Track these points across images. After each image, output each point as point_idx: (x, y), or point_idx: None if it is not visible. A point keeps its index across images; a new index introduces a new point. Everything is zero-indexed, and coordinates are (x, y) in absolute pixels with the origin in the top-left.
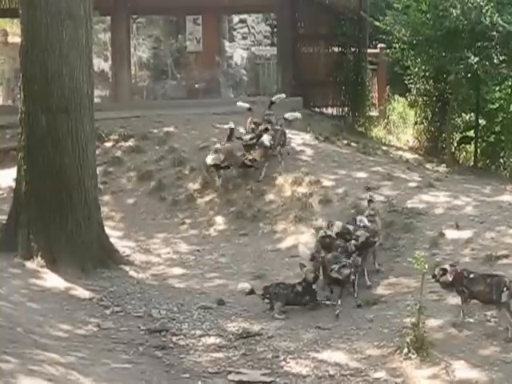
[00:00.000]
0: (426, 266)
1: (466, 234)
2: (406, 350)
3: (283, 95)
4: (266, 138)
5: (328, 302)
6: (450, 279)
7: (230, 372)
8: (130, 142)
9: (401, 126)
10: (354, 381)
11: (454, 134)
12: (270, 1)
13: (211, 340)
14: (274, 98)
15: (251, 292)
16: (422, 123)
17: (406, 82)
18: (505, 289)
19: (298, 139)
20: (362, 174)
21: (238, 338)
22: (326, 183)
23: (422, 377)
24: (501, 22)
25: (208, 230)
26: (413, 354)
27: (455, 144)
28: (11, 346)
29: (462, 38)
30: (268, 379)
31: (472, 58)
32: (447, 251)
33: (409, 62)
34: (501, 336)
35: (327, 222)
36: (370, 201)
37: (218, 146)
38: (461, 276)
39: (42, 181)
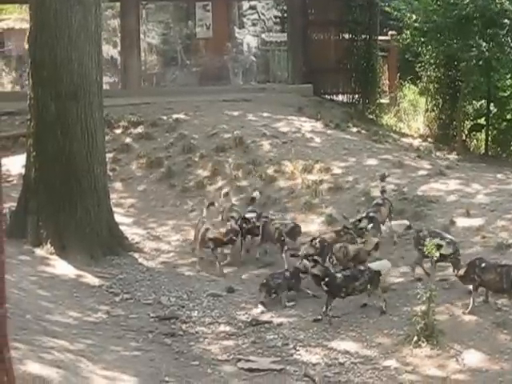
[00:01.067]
0: (437, 254)
1: (476, 221)
2: (415, 338)
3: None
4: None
5: (310, 292)
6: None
7: (239, 360)
8: (140, 129)
9: (411, 114)
10: (364, 369)
11: (465, 121)
12: None
13: (221, 328)
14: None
15: (230, 290)
16: (433, 111)
17: (416, 69)
18: None
19: (308, 126)
20: (372, 162)
21: (247, 326)
22: (336, 171)
23: (431, 365)
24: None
25: (218, 217)
26: (423, 342)
27: (466, 132)
28: (21, 333)
29: (473, 25)
30: (278, 367)
31: (483, 45)
32: (459, 238)
33: (420, 48)
34: (511, 325)
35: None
36: (383, 191)
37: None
38: (473, 265)
39: (51, 167)
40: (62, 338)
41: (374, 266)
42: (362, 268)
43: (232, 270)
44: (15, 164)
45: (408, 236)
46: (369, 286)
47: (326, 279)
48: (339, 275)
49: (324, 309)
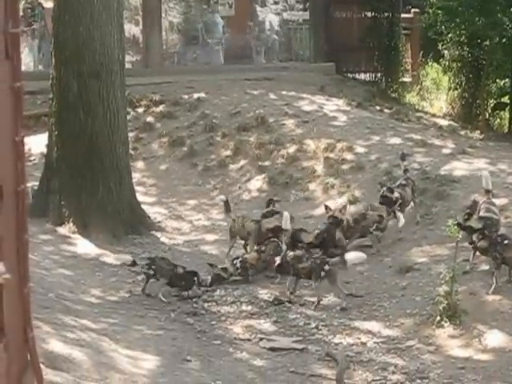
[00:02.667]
0: (460, 234)
1: (500, 201)
2: (438, 318)
3: None
4: None
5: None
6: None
7: (261, 339)
8: (162, 108)
9: (434, 92)
10: (386, 348)
11: (489, 100)
12: None
13: (243, 307)
14: None
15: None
16: (456, 89)
17: (439, 47)
18: None
19: (330, 105)
20: (395, 141)
21: (269, 305)
22: (359, 150)
23: (454, 345)
24: None
25: (240, 196)
26: (445, 322)
27: (489, 110)
28: (43, 312)
29: (496, 3)
30: (299, 346)
31: (507, 23)
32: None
33: (443, 27)
34: None
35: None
36: (406, 170)
37: None
38: (495, 242)
39: (73, 146)
40: (85, 316)
41: (349, 256)
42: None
43: None
44: (37, 143)
45: (431, 216)
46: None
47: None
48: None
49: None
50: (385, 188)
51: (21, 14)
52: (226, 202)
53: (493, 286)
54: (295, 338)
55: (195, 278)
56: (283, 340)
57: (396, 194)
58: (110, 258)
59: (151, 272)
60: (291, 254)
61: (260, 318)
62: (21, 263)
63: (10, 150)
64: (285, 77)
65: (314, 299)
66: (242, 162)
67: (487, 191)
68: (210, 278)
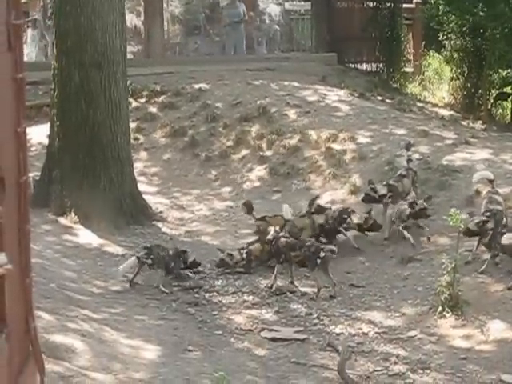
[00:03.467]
0: (462, 224)
1: (502, 191)
2: (440, 309)
3: None
4: None
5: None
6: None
7: (263, 329)
8: (163, 98)
9: (436, 82)
10: (388, 339)
11: (491, 90)
12: None
13: (244, 297)
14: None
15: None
16: (458, 79)
17: (440, 37)
18: None
19: (332, 95)
20: (397, 131)
21: (271, 296)
22: (361, 140)
23: (456, 335)
24: None
25: (241, 186)
26: (447, 312)
27: (491, 100)
28: (45, 302)
29: None
30: (301, 336)
31: (509, 13)
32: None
33: (444, 17)
34: None
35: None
36: (409, 160)
37: None
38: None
39: (74, 137)
40: (86, 306)
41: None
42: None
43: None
44: (39, 134)
45: (433, 206)
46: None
47: None
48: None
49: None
50: (370, 186)
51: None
52: (248, 204)
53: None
54: (297, 328)
55: (181, 257)
56: (285, 330)
57: (382, 191)
58: (111, 247)
59: (149, 261)
60: (283, 240)
61: (261, 308)
62: (22, 254)
63: (12, 140)
64: (286, 67)
65: (315, 289)
66: (244, 152)
67: (490, 181)
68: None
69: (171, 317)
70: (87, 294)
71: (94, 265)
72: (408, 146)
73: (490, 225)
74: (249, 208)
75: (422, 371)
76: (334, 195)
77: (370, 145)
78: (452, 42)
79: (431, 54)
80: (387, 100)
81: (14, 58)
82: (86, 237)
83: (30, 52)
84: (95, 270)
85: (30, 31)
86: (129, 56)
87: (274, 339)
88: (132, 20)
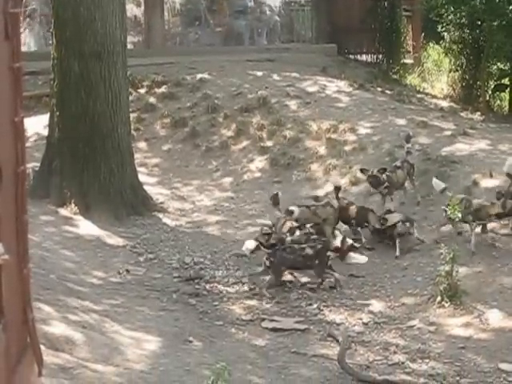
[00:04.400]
0: (460, 214)
1: (500, 183)
2: (439, 299)
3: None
4: None
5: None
6: None
7: (263, 319)
8: (164, 89)
9: (435, 74)
10: (388, 329)
11: (489, 81)
12: None
13: (245, 288)
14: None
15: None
16: (457, 71)
17: (439, 29)
18: None
19: (332, 86)
20: (396, 122)
21: (271, 286)
22: (361, 131)
23: (455, 325)
24: None
25: (242, 177)
26: (446, 302)
27: (490, 92)
28: (45, 293)
29: None
30: (302, 327)
31: (507, 5)
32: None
33: (443, 9)
34: None
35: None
36: (408, 152)
37: None
38: None
39: (74, 127)
40: (87, 298)
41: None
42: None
43: (256, 230)
44: (38, 124)
45: (432, 197)
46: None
47: None
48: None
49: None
50: (371, 171)
51: None
52: (275, 196)
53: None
54: (297, 318)
55: None
56: (285, 321)
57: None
58: (111, 239)
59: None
60: (289, 239)
61: (262, 298)
62: (20, 244)
63: (9, 130)
64: (286, 58)
65: (315, 279)
66: (244, 143)
67: (509, 175)
68: None
69: (172, 308)
70: (87, 285)
71: (94, 256)
72: (408, 138)
73: None
74: (275, 200)
75: (421, 360)
76: (331, 186)
77: (370, 136)
78: (450, 33)
79: (430, 45)
80: (387, 91)
81: (11, 47)
82: (86, 228)
83: (28, 41)
84: (95, 261)
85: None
86: (129, 46)
87: (274, 329)
88: (132, 10)
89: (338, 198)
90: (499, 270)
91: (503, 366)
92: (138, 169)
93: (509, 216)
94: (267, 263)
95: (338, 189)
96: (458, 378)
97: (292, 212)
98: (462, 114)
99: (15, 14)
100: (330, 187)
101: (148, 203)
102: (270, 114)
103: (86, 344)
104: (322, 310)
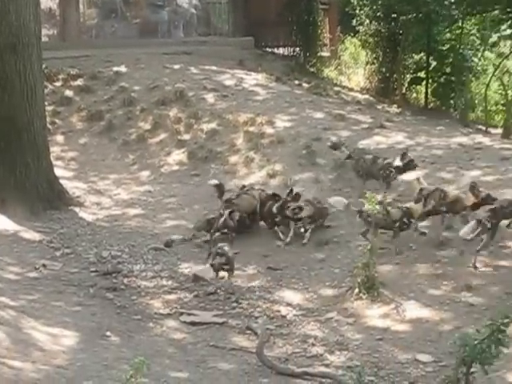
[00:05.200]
0: (377, 207)
1: (417, 174)
2: (357, 290)
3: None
4: None
5: None
6: None
7: (181, 313)
8: (79, 82)
9: (352, 67)
10: (306, 321)
11: (405, 74)
12: None
13: (163, 282)
14: None
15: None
16: (373, 64)
17: (354, 22)
18: None
19: (249, 79)
20: (314, 115)
21: (189, 280)
22: (279, 124)
23: (373, 316)
24: None
25: (159, 170)
26: (364, 294)
27: (406, 85)
28: None
29: None
30: (220, 320)
31: None
32: (398, 191)
33: (359, 2)
34: (450, 276)
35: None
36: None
37: None
38: None
39: None
40: (3, 294)
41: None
42: None
43: (174, 224)
44: None
45: (348, 188)
46: None
47: None
48: None
49: None
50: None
51: None
52: (219, 186)
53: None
54: (215, 312)
55: None
56: (203, 314)
57: None
58: (28, 233)
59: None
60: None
61: (180, 292)
62: None
63: None
64: (204, 51)
65: (235, 272)
66: (162, 136)
67: None
68: None
69: (89, 302)
70: (4, 281)
71: (10, 251)
72: (335, 146)
73: None
74: (220, 191)
75: (339, 352)
76: (253, 179)
77: (287, 128)
78: (366, 26)
79: (347, 38)
80: (304, 84)
81: None
82: (1, 223)
83: None
84: (12, 257)
85: None
86: (44, 39)
87: (192, 323)
88: (47, 2)
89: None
90: (416, 262)
91: (420, 356)
92: (55, 163)
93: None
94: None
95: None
96: (375, 370)
97: None
98: (378, 107)
99: None
100: (247, 181)
101: (64, 197)
102: (187, 107)
103: (3, 340)
104: (241, 303)
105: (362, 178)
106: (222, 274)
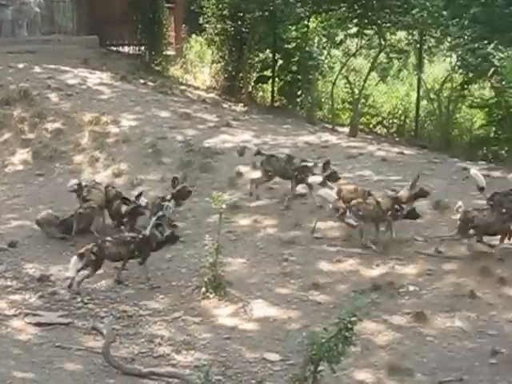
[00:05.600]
0: (224, 206)
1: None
2: (204, 290)
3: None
4: None
5: None
6: None
7: (26, 314)
8: None
9: (198, 66)
10: (153, 321)
11: (252, 73)
12: None
13: (7, 282)
14: None
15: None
16: (219, 62)
17: (200, 21)
18: None
19: (94, 78)
20: (159, 114)
21: (34, 280)
22: (124, 123)
23: (220, 316)
24: None
25: (3, 170)
26: (211, 293)
27: (252, 83)
28: None
29: None
30: (66, 320)
31: None
32: (245, 190)
33: (205, 1)
34: (297, 274)
35: None
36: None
37: None
38: None
39: None
40: None
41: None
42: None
43: (18, 224)
44: None
45: (195, 188)
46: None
47: None
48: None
49: None
50: None
51: None
52: (80, 185)
53: None
54: (61, 312)
55: None
56: (49, 315)
57: None
58: None
59: None
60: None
61: (25, 293)
62: None
63: None
64: (48, 50)
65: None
66: (6, 136)
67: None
68: None
69: None
70: None
71: None
72: (241, 152)
73: None
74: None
75: (186, 352)
76: (98, 178)
77: (132, 128)
78: (213, 25)
79: (193, 37)
80: (149, 83)
81: None
82: None
83: None
84: None
85: None
86: None
87: (38, 324)
88: None
89: None
90: (264, 261)
91: (268, 355)
92: None
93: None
94: None
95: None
96: (223, 369)
97: None
98: (225, 106)
99: None
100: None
101: None
102: (31, 106)
103: None
104: (87, 304)
105: (269, 176)
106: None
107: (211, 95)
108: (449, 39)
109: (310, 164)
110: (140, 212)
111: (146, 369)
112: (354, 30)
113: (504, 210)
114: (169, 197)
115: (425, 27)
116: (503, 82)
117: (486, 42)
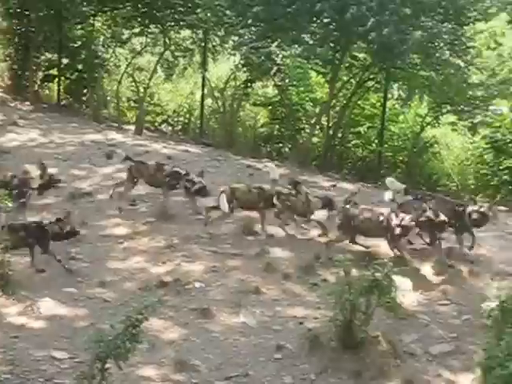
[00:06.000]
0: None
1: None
2: None
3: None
4: None
5: None
6: None
7: None
8: None
9: None
10: None
11: (38, 72)
12: None
13: None
14: None
15: None
16: (6, 61)
17: None
18: None
19: None
20: None
21: None
22: None
23: (7, 314)
24: None
25: None
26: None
27: (39, 82)
28: None
29: None
30: None
31: None
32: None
33: None
34: (85, 272)
35: None
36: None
37: None
38: None
39: None
40: None
41: None
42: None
43: None
44: None
45: None
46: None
47: None
48: None
49: None
50: None
51: None
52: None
53: None
54: None
55: None
56: None
57: None
58: None
59: None
60: None
61: None
62: None
63: None
64: None
65: None
66: None
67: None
68: None
69: None
70: None
71: None
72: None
73: None
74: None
75: None
76: None
77: None
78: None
79: None
80: None
81: None
82: None
83: None
84: None
85: None
86: None
87: None
88: None
89: None
90: (51, 259)
91: (56, 353)
92: None
93: None
94: None
95: None
96: (11, 367)
97: None
98: (11, 105)
99: None
100: None
101: None
102: None
103: None
104: None
105: (134, 182)
106: None
107: None
108: (233, 38)
109: (182, 171)
110: None
111: None
112: (139, 28)
113: None
114: None
115: (209, 26)
116: (286, 81)
117: (269, 40)
